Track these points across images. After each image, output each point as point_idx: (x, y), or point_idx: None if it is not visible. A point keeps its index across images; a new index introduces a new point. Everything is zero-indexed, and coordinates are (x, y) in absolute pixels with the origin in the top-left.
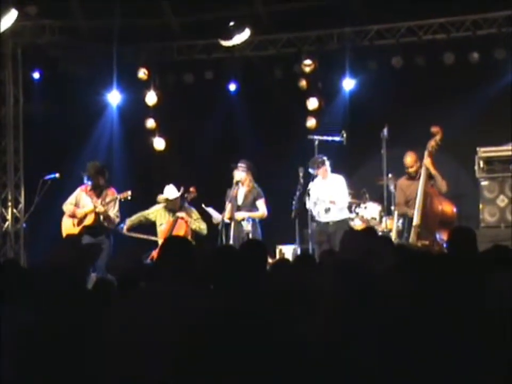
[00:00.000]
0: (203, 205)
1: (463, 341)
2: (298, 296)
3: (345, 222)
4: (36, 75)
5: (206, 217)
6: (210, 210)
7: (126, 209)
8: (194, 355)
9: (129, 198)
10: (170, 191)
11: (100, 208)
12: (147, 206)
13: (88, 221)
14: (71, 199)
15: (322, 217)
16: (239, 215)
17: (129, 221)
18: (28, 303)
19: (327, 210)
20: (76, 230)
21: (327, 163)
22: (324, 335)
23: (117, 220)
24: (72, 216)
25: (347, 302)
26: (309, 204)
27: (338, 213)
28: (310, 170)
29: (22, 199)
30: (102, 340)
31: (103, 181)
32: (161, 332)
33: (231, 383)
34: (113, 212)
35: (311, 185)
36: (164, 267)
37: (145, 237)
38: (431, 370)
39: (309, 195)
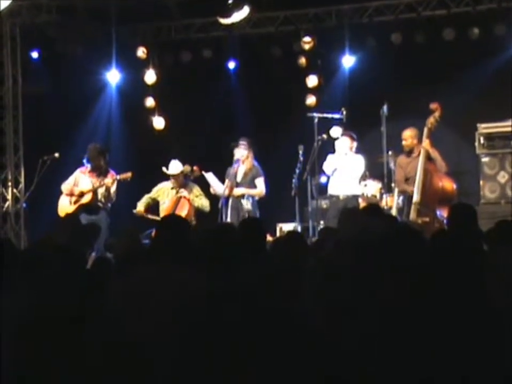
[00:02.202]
0: (203, 172)
1: (465, 317)
2: (296, 274)
3: (355, 198)
4: (34, 55)
5: (206, 189)
6: (209, 177)
7: (127, 188)
8: (192, 336)
9: (129, 179)
10: (173, 167)
11: (97, 184)
12: (146, 185)
13: (86, 199)
14: (70, 180)
15: (335, 190)
16: (237, 191)
17: (141, 205)
18: (26, 285)
19: (365, 186)
20: (72, 208)
21: (356, 143)
22: (325, 314)
23: (114, 200)
24: (70, 194)
25: (349, 280)
26: (326, 166)
27: (350, 188)
28: (339, 131)
29: (22, 179)
30: (101, 320)
31: (103, 163)
32: (159, 312)
33: (229, 364)
34: (111, 191)
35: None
36: (161, 246)
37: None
38: (429, 347)
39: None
